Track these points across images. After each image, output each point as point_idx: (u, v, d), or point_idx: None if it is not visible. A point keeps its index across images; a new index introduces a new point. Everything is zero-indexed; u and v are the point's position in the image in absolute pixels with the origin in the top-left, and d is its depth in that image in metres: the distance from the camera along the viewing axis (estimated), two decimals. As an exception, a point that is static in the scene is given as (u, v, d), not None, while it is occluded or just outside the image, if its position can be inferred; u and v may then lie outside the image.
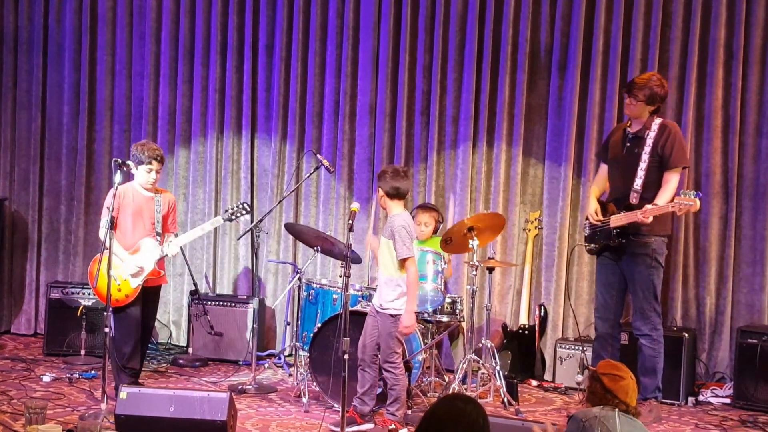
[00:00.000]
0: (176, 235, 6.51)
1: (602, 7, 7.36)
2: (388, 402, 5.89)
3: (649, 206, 6.04)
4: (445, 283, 6.66)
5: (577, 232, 7.51)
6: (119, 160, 6.07)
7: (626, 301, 6.66)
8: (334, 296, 6.85)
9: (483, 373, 6.86)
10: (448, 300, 6.75)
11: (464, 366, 6.58)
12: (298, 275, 7.09)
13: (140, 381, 6.60)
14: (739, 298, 7.24)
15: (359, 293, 6.71)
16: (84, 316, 7.55)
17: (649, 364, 6.30)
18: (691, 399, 6.83)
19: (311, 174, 7.41)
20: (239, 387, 6.73)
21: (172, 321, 8.37)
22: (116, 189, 5.98)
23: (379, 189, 5.93)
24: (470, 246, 6.46)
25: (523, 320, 7.45)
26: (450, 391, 6.37)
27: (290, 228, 7.44)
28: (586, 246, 6.66)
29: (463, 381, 6.60)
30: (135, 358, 6.33)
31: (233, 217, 6.64)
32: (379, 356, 5.88)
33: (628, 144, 6.33)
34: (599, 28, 7.37)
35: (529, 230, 7.56)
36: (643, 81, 6.25)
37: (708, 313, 7.28)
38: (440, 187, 7.82)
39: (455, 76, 7.72)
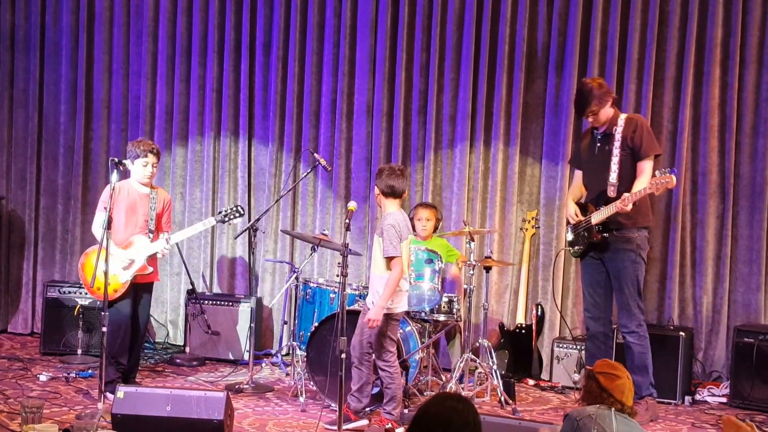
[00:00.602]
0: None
1: (599, 7, 7.37)
2: (384, 401, 5.89)
3: (626, 194, 6.08)
4: (443, 283, 6.66)
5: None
6: (116, 159, 6.07)
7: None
8: (331, 295, 6.86)
9: (480, 373, 6.86)
10: (445, 299, 6.76)
11: (461, 365, 6.58)
12: (295, 274, 7.09)
13: (137, 380, 6.61)
14: (735, 298, 7.25)
15: (356, 292, 6.71)
16: (81, 315, 7.55)
17: (639, 362, 6.31)
18: (687, 398, 6.84)
19: (308, 173, 7.41)
20: (236, 386, 6.73)
21: (169, 320, 8.37)
22: (113, 187, 5.98)
23: (376, 187, 5.93)
24: (467, 245, 6.48)
25: (520, 319, 7.45)
26: (447, 391, 6.37)
27: (286, 232, 7.46)
28: (570, 250, 6.68)
29: (460, 380, 6.60)
30: (123, 354, 6.33)
31: (226, 218, 6.65)
32: (373, 355, 5.88)
33: (599, 144, 6.39)
34: (596, 27, 7.38)
35: (526, 229, 7.57)
36: (584, 99, 6.27)
37: (705, 312, 7.28)
38: (437, 186, 7.82)
39: (452, 76, 7.72)
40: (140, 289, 6.44)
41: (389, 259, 5.78)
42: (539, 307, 7.46)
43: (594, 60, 7.39)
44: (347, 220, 5.68)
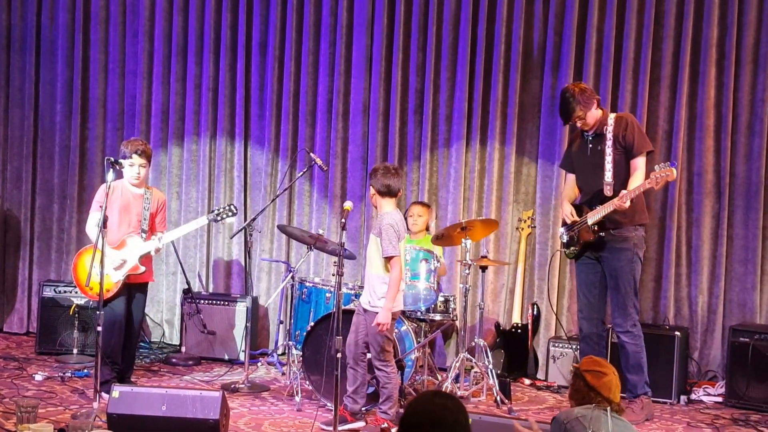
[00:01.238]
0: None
1: (595, 6, 7.38)
2: (380, 401, 5.89)
3: (624, 191, 6.08)
4: (438, 282, 6.66)
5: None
6: (112, 159, 6.06)
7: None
8: (327, 295, 6.85)
9: (476, 372, 6.86)
10: (441, 299, 6.76)
11: (457, 365, 6.58)
12: (291, 274, 7.09)
13: (133, 380, 6.60)
14: (731, 297, 7.26)
15: (352, 292, 6.71)
16: (76, 315, 7.55)
17: (633, 361, 6.31)
18: (683, 397, 6.84)
19: (304, 172, 7.41)
20: (232, 386, 6.72)
21: (165, 320, 8.37)
22: (108, 187, 5.98)
23: (371, 187, 5.93)
24: (463, 245, 6.47)
25: (516, 319, 7.45)
26: (443, 390, 6.38)
27: (283, 229, 7.46)
28: (565, 251, 6.66)
29: (456, 380, 6.60)
30: (117, 353, 6.32)
31: (219, 218, 6.65)
32: (369, 354, 5.88)
33: (591, 145, 6.39)
34: (592, 27, 7.39)
35: (522, 229, 7.57)
36: (568, 106, 6.25)
37: (700, 311, 7.29)
38: (433, 186, 7.83)
39: (448, 75, 7.72)
40: (134, 289, 6.43)
41: (388, 259, 5.78)
42: (535, 306, 7.47)
43: (590, 59, 7.39)
44: (343, 220, 5.67)
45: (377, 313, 5.78)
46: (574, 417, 4.11)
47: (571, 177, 6.67)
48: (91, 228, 6.38)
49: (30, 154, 8.51)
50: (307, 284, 7.05)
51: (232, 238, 8.03)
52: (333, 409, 5.51)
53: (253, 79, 8.20)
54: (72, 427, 5.25)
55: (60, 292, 7.69)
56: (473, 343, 6.76)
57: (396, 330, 6.20)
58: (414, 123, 7.85)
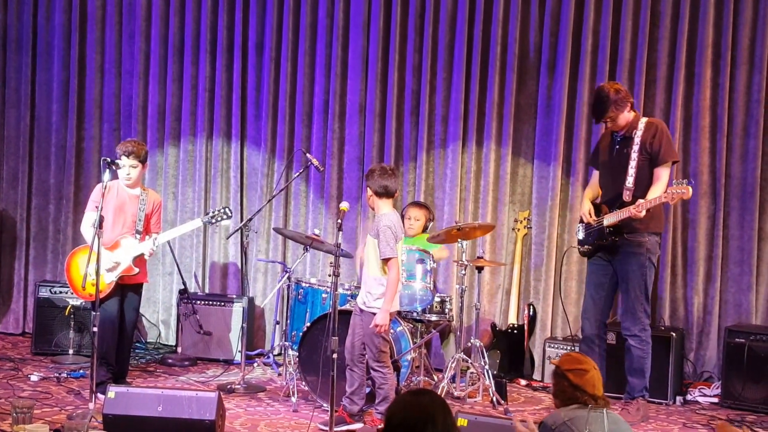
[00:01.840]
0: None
1: (591, 8, 7.38)
2: (376, 401, 5.89)
3: (641, 200, 6.07)
4: (435, 282, 6.66)
5: (566, 231, 7.53)
6: (108, 159, 6.06)
7: (615, 302, 6.67)
8: (324, 295, 6.85)
9: (472, 373, 6.87)
10: (437, 299, 6.76)
11: (453, 365, 6.59)
12: (288, 274, 7.09)
13: (128, 380, 6.60)
14: (726, 298, 7.27)
15: (348, 292, 6.71)
16: (72, 316, 7.54)
17: (637, 365, 6.31)
18: (679, 398, 6.85)
19: (301, 173, 7.41)
20: (228, 386, 6.72)
21: (161, 320, 8.36)
22: (104, 187, 5.97)
23: (368, 188, 5.93)
24: (458, 246, 6.49)
25: (512, 319, 7.46)
26: (439, 391, 6.38)
27: (279, 231, 7.47)
28: (579, 248, 6.67)
29: (452, 380, 6.61)
30: (111, 354, 6.31)
31: (213, 220, 6.63)
32: (367, 355, 5.88)
33: (617, 146, 6.36)
34: (588, 28, 7.39)
35: (518, 230, 7.58)
36: (601, 105, 6.24)
37: (696, 312, 7.30)
38: (430, 187, 7.83)
39: (445, 76, 7.73)
40: (127, 290, 6.42)
41: (386, 261, 5.78)
42: (531, 307, 7.48)
43: (586, 60, 7.40)
44: (339, 221, 5.68)
45: (373, 313, 5.79)
46: (562, 422, 4.09)
47: (596, 174, 6.64)
48: (86, 228, 6.37)
49: (26, 154, 8.51)
50: (304, 285, 7.05)
51: (228, 238, 8.03)
52: (329, 409, 5.51)
53: (250, 80, 8.19)
54: (68, 427, 5.25)
55: (56, 292, 7.68)
56: (469, 344, 6.76)
57: (392, 330, 6.21)
58: (410, 124, 7.85)
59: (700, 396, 6.96)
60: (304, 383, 6.44)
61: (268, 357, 7.56)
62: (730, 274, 7.25)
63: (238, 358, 7.32)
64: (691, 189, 5.96)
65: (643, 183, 6.21)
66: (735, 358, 6.71)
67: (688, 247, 7.32)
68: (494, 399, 6.48)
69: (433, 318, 6.80)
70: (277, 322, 7.58)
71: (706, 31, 7.18)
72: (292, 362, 6.68)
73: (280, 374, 7.16)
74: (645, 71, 7.30)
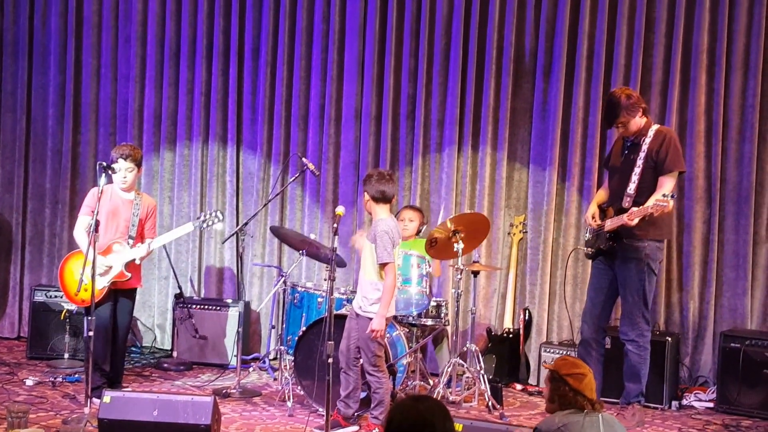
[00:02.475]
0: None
1: (586, 12, 7.40)
2: (371, 406, 5.89)
3: (634, 209, 6.07)
4: (431, 287, 6.66)
5: (561, 236, 7.54)
6: (104, 164, 6.06)
7: (615, 306, 6.67)
8: (319, 300, 6.85)
9: (467, 377, 6.86)
10: (433, 304, 6.76)
11: (449, 370, 6.59)
12: (283, 279, 7.09)
13: (124, 385, 6.59)
14: (722, 303, 7.27)
15: (344, 297, 6.71)
16: (68, 320, 7.54)
17: (634, 370, 6.31)
18: (674, 403, 6.85)
19: (296, 177, 7.40)
20: (224, 391, 6.72)
21: (156, 324, 8.36)
22: (101, 190, 5.96)
23: (365, 193, 5.93)
24: (455, 249, 6.47)
25: (508, 324, 7.46)
26: (435, 395, 6.38)
27: (275, 231, 7.46)
28: (584, 250, 6.67)
29: (448, 385, 6.61)
30: (105, 359, 6.30)
31: (205, 224, 6.61)
32: (361, 359, 5.88)
33: (626, 151, 6.35)
34: (583, 32, 7.41)
35: (514, 234, 7.58)
36: (612, 111, 6.23)
37: (691, 317, 7.31)
38: (425, 191, 7.84)
39: (440, 80, 7.74)
40: (120, 295, 6.40)
41: (382, 266, 5.78)
42: (527, 311, 7.48)
43: (581, 65, 7.41)
44: (335, 225, 5.68)
45: (369, 318, 5.79)
46: (556, 427, 4.07)
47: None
48: (79, 232, 6.35)
49: (22, 158, 8.50)
50: (299, 289, 7.04)
51: (224, 242, 8.03)
52: (324, 414, 5.51)
53: (246, 84, 8.20)
54: (63, 432, 5.25)
55: (51, 296, 7.67)
56: (465, 348, 6.76)
57: (387, 335, 6.20)
58: (406, 128, 7.86)
59: (696, 401, 6.97)
60: (299, 388, 6.43)
61: (264, 361, 7.56)
62: (726, 279, 7.26)
63: (233, 362, 7.31)
64: (672, 202, 5.93)
65: (646, 191, 6.18)
66: (730, 362, 6.71)
67: (684, 252, 7.33)
68: (490, 404, 6.48)
69: (429, 322, 6.80)
70: (273, 327, 7.58)
71: (701, 36, 7.19)
72: (288, 367, 6.68)
73: (275, 379, 7.16)
74: (640, 76, 7.31)
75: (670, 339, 6.89)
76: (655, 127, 6.31)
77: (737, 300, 7.22)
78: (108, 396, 5.34)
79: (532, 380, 7.39)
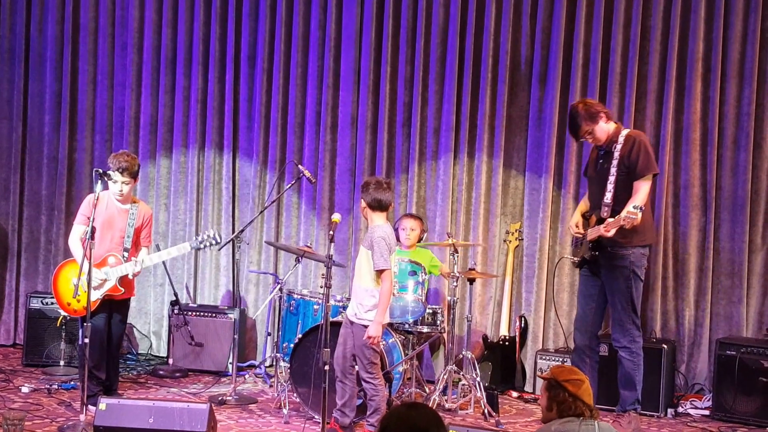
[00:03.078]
0: (157, 248, 6.47)
1: (582, 21, 7.42)
2: (368, 413, 5.89)
3: (610, 219, 6.08)
4: (426, 294, 6.67)
5: (557, 243, 7.55)
6: (100, 171, 6.05)
7: (606, 314, 6.69)
8: (315, 307, 6.86)
9: (463, 384, 6.87)
10: (429, 311, 6.76)
11: (445, 377, 6.59)
12: (279, 286, 7.09)
13: (119, 392, 6.58)
14: (717, 310, 7.29)
15: (340, 304, 6.71)
16: (63, 327, 7.52)
17: (628, 377, 6.32)
18: (670, 410, 6.86)
19: (292, 184, 7.41)
20: (219, 398, 6.71)
21: (152, 331, 8.35)
22: (96, 198, 5.95)
23: (362, 200, 5.94)
24: (450, 257, 6.49)
25: (504, 331, 7.47)
26: (431, 403, 6.38)
27: (271, 243, 7.47)
28: (571, 258, 6.69)
29: (444, 392, 6.61)
30: (101, 368, 6.28)
31: (201, 245, 6.55)
32: (357, 367, 5.88)
33: (600, 161, 6.37)
34: (579, 41, 7.43)
35: (510, 242, 7.59)
36: (574, 123, 6.27)
37: (687, 324, 7.32)
38: (422, 198, 7.85)
39: (436, 88, 7.75)
40: (114, 305, 6.36)
41: (379, 273, 5.78)
42: (522, 319, 7.49)
43: (577, 73, 7.43)
44: (331, 232, 5.69)
45: (364, 325, 5.79)
46: None
47: None
48: (74, 242, 6.29)
49: (18, 165, 8.49)
50: (295, 296, 7.05)
51: (219, 249, 8.01)
52: (321, 421, 5.50)
53: (242, 92, 8.21)
54: (58, 439, 5.24)
55: (47, 303, 7.65)
56: (461, 356, 6.77)
57: (383, 342, 6.20)
58: (402, 136, 7.87)
59: (692, 408, 6.98)
60: (295, 395, 6.43)
61: (260, 368, 7.56)
62: (721, 287, 7.27)
63: (229, 369, 7.30)
64: (640, 215, 5.89)
65: (623, 198, 6.17)
66: (726, 370, 6.72)
67: (679, 260, 7.34)
68: (486, 411, 6.48)
69: (425, 330, 6.81)
70: (269, 334, 7.57)
71: (696, 45, 7.22)
72: (284, 374, 6.68)
73: (271, 386, 7.15)
74: (636, 84, 7.33)
75: (665, 346, 6.90)
76: (625, 131, 6.31)
77: (733, 308, 7.23)
78: (104, 403, 5.34)
79: (528, 387, 7.39)
